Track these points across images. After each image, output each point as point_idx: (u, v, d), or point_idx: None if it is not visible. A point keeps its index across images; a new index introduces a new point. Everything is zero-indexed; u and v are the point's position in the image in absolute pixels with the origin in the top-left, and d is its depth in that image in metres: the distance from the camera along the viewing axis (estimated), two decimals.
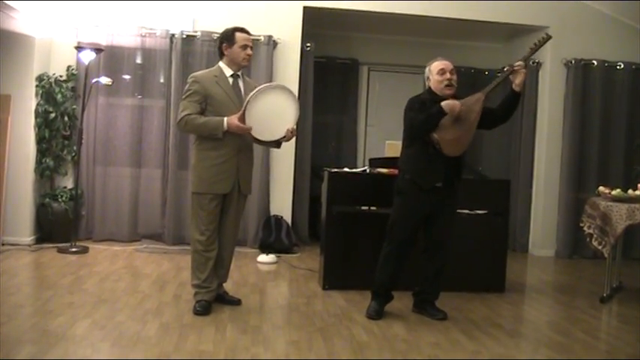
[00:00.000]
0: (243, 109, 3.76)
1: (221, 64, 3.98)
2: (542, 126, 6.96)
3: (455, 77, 3.94)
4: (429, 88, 4.00)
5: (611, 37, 6.89)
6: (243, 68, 4.02)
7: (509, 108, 3.94)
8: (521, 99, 4.00)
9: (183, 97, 3.92)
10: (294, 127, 3.92)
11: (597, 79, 6.84)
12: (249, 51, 3.94)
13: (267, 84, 4.08)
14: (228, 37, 3.94)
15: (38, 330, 3.38)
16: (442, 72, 3.92)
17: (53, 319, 3.59)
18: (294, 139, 6.38)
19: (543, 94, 6.95)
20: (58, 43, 6.17)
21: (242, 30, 3.97)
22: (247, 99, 3.76)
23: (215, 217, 3.91)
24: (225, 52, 3.95)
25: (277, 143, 4.05)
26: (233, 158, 3.89)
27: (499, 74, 4.32)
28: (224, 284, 4.17)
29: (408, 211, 3.97)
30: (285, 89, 3.92)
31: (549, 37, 3.97)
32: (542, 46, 3.98)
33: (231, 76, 3.95)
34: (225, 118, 3.78)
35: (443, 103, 3.79)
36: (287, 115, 3.89)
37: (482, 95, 3.87)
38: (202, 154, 3.90)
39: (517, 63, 3.86)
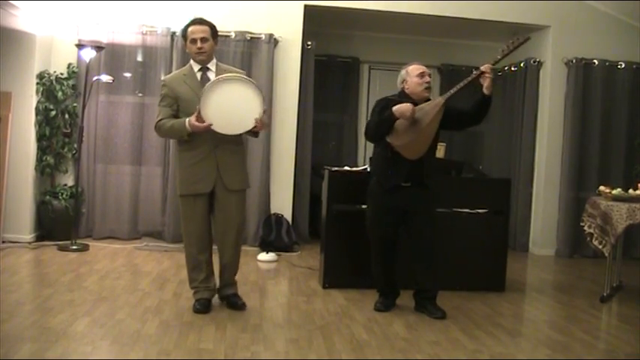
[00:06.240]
0: (198, 107, 3.57)
1: (191, 60, 3.87)
2: (542, 125, 6.95)
3: (430, 80, 4.00)
4: (402, 90, 4.01)
5: (612, 36, 6.88)
6: (206, 62, 3.80)
7: (479, 111, 3.92)
8: (492, 102, 3.87)
9: (158, 102, 3.86)
10: (262, 114, 3.64)
11: (598, 79, 6.82)
12: (199, 44, 3.71)
13: (219, 77, 3.69)
14: (183, 32, 3.84)
15: (38, 327, 3.38)
16: (422, 75, 3.96)
17: (53, 316, 3.59)
18: (294, 137, 6.50)
19: (544, 94, 6.94)
20: (59, 40, 6.16)
21: (194, 22, 3.81)
22: (200, 96, 3.59)
23: (203, 217, 3.83)
24: (186, 49, 3.90)
25: (253, 133, 3.81)
26: (210, 155, 3.74)
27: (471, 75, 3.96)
28: (235, 285, 4.06)
29: (377, 210, 4.07)
30: (239, 79, 3.66)
31: (527, 39, 3.85)
32: (516, 48, 3.86)
33: (200, 70, 3.82)
34: (187, 120, 3.64)
35: (394, 108, 3.80)
36: (251, 105, 3.61)
37: (442, 100, 3.85)
38: (180, 155, 3.86)
39: (483, 66, 3.80)
